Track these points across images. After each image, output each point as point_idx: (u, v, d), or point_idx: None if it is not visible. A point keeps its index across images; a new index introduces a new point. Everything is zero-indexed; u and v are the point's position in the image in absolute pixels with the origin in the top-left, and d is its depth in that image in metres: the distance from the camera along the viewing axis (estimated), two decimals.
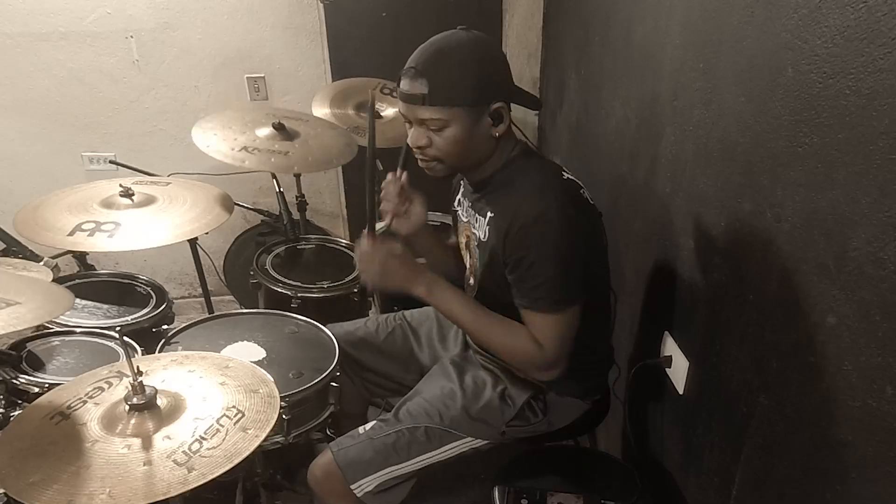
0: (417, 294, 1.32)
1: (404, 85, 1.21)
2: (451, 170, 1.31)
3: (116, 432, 1.08)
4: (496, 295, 1.34)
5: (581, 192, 1.30)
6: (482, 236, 1.33)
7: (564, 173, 1.31)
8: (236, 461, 1.01)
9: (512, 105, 1.28)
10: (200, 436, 1.06)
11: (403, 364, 1.67)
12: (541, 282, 1.22)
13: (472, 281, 1.46)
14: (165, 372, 1.26)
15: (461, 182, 1.47)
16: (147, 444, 1.05)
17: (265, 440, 1.10)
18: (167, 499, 0.97)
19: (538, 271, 1.22)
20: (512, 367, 1.40)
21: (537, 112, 2.94)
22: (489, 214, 1.30)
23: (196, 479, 0.97)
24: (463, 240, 1.46)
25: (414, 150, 1.28)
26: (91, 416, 1.12)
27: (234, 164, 1.93)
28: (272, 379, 1.24)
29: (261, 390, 1.19)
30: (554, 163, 1.35)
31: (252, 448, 1.03)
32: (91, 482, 0.97)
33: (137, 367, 1.12)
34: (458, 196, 1.48)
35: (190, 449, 1.03)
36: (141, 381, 1.10)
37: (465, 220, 1.44)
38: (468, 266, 1.46)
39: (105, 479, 0.97)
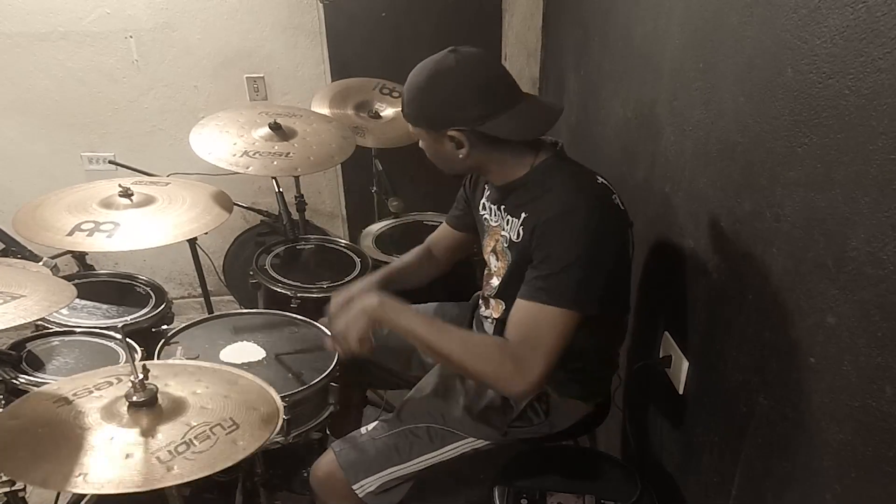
0: (373, 305, 1.26)
1: None
2: (447, 172, 1.37)
3: (112, 423, 1.08)
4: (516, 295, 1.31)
5: (613, 197, 1.27)
6: (514, 237, 1.31)
7: (598, 178, 1.29)
8: (218, 468, 1.01)
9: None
10: (191, 439, 1.06)
11: (405, 359, 1.67)
12: (550, 272, 1.17)
13: (495, 281, 1.43)
14: (175, 378, 1.26)
15: (485, 186, 1.46)
16: (136, 438, 1.05)
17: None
18: (165, 498, 0.97)
19: (552, 263, 1.18)
20: (487, 383, 1.29)
21: None
22: (523, 215, 1.29)
23: (172, 479, 0.97)
24: (491, 244, 1.43)
25: None
26: (91, 406, 1.13)
27: (239, 170, 1.93)
28: (278, 398, 1.23)
29: (261, 409, 1.19)
30: (588, 168, 1.33)
31: (236, 460, 1.03)
32: (71, 463, 0.98)
33: (144, 366, 1.12)
34: (483, 200, 1.46)
35: (176, 449, 1.03)
36: (142, 380, 1.10)
37: (494, 223, 1.40)
38: (494, 268, 1.43)
39: (85, 464, 0.98)
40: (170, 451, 1.02)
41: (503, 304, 1.42)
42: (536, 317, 1.18)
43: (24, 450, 1.00)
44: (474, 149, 1.26)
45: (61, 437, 1.05)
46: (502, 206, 1.37)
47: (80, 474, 0.96)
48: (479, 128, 1.23)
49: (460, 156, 1.27)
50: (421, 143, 1.35)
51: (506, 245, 1.35)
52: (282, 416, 1.18)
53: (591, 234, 1.17)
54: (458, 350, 1.22)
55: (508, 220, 1.34)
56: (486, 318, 1.49)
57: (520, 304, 1.22)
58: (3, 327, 1.13)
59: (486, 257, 1.48)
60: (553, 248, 1.19)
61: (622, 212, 1.27)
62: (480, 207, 1.47)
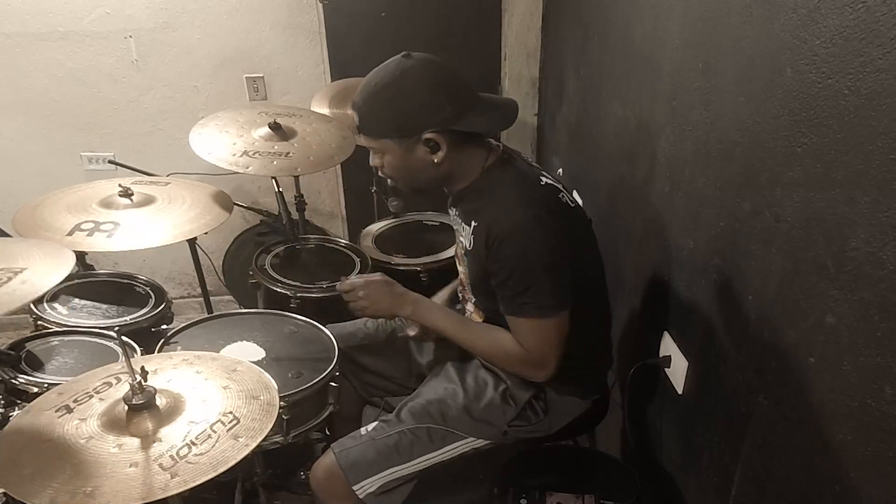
0: (405, 315, 1.43)
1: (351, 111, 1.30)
2: (411, 189, 1.38)
3: (113, 430, 1.08)
4: (489, 300, 1.37)
5: (560, 196, 1.31)
6: (468, 245, 1.35)
7: (543, 178, 1.32)
8: (221, 469, 1.00)
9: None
10: (191, 440, 1.06)
11: (404, 365, 1.67)
12: (523, 289, 1.24)
13: (466, 287, 1.47)
14: (173, 371, 1.26)
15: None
16: (137, 445, 1.05)
17: (264, 440, 1.10)
18: (164, 499, 0.97)
19: (519, 281, 1.24)
20: (507, 371, 1.42)
21: (536, 112, 2.94)
22: (473, 223, 1.32)
23: (176, 486, 0.96)
24: (454, 250, 1.48)
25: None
26: (92, 412, 1.12)
27: (238, 170, 1.93)
28: (276, 386, 1.23)
29: (261, 397, 1.19)
30: (533, 168, 1.36)
31: (239, 458, 1.03)
32: (77, 479, 0.97)
33: (142, 367, 1.12)
34: (449, 205, 1.49)
35: (178, 454, 1.03)
36: (140, 382, 1.10)
37: (455, 228, 1.45)
38: (461, 273, 1.47)
39: (90, 478, 0.97)
40: (172, 457, 1.02)
41: (481, 312, 1.45)
42: (532, 330, 1.29)
43: (31, 467, 1.00)
44: (449, 151, 1.26)
45: (66, 449, 1.04)
46: (457, 213, 1.40)
47: (85, 491, 0.95)
48: (454, 126, 1.23)
49: (435, 160, 1.26)
50: (380, 161, 1.31)
51: (462, 252, 1.39)
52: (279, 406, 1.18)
53: (542, 243, 1.22)
54: (485, 353, 1.40)
55: (463, 227, 1.37)
56: None
57: (513, 321, 1.30)
58: (19, 304, 1.11)
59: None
60: (514, 266, 1.23)
61: (572, 209, 1.33)
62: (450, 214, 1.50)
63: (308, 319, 1.70)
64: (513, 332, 1.31)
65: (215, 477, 0.99)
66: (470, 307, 1.48)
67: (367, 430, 1.41)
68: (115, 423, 1.09)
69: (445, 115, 1.23)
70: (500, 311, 1.31)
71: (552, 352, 1.30)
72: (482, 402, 1.42)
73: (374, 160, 1.33)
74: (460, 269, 1.46)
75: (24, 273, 1.21)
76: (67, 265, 1.28)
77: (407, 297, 1.42)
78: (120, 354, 1.55)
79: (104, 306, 1.80)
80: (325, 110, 2.43)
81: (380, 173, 1.35)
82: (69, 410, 1.13)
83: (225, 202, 1.87)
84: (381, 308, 1.41)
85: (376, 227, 2.36)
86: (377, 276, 1.43)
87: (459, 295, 1.54)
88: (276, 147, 2.05)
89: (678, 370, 1.35)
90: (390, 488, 1.36)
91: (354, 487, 1.34)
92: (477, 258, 1.32)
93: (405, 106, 1.22)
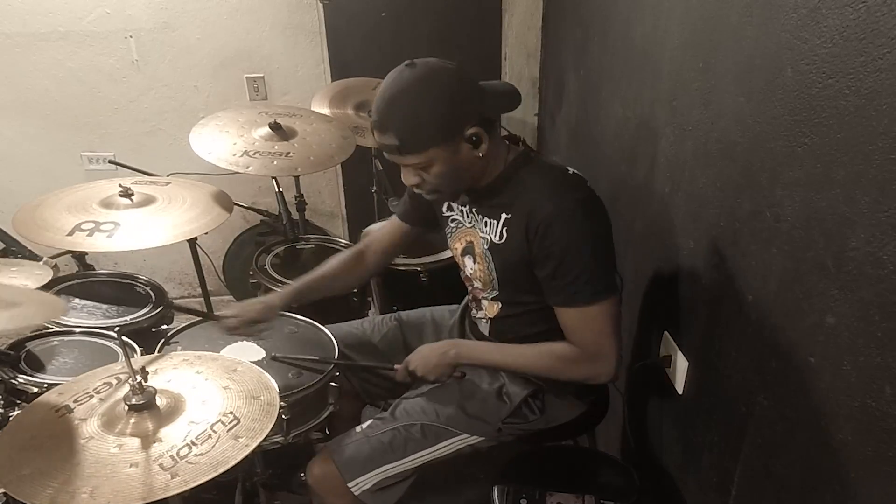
0: (453, 361, 1.42)
1: (378, 137, 1.24)
2: (454, 195, 1.37)
3: (113, 431, 1.08)
4: (518, 293, 1.36)
5: (588, 184, 1.32)
6: (496, 238, 1.33)
7: (569, 169, 1.33)
8: (221, 470, 1.00)
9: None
10: (192, 441, 1.06)
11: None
12: (575, 276, 1.23)
13: (477, 283, 1.45)
14: (174, 371, 1.26)
15: None
16: (138, 445, 1.05)
17: (264, 440, 1.10)
18: (164, 499, 0.97)
19: (570, 267, 1.23)
20: (573, 381, 1.39)
21: (536, 112, 2.94)
22: (504, 216, 1.30)
23: (177, 486, 0.97)
24: (459, 245, 1.46)
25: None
26: (92, 412, 1.12)
27: (239, 170, 1.93)
28: (276, 386, 1.23)
29: (262, 397, 1.19)
30: (555, 161, 1.37)
31: (239, 458, 1.03)
32: (77, 479, 0.97)
33: (142, 368, 1.12)
34: (446, 203, 1.47)
35: (178, 454, 1.03)
36: (141, 382, 1.10)
37: (468, 224, 1.42)
38: (472, 270, 1.45)
39: (91, 478, 0.98)
40: (172, 457, 1.02)
41: (499, 304, 1.43)
42: (587, 318, 1.26)
43: (30, 467, 1.00)
44: (489, 140, 1.24)
45: (66, 449, 1.04)
46: (474, 208, 1.38)
47: (86, 491, 0.95)
48: (486, 114, 1.24)
49: (479, 154, 1.23)
50: (419, 177, 1.26)
51: (485, 247, 1.36)
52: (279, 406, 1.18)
53: (590, 223, 1.24)
54: (539, 368, 1.36)
55: (486, 221, 1.35)
56: (481, 318, 1.50)
57: (565, 312, 1.28)
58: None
59: (457, 259, 1.49)
60: (565, 251, 1.22)
61: (600, 198, 1.33)
62: (445, 208, 1.48)
63: (308, 319, 1.70)
64: (565, 325, 1.30)
65: (215, 477, 1.00)
66: (485, 304, 1.47)
67: (361, 427, 1.42)
68: (116, 424, 1.09)
69: (476, 106, 1.22)
70: (549, 304, 1.30)
71: (608, 340, 1.27)
72: (476, 399, 1.42)
73: (410, 178, 1.27)
74: (475, 266, 1.42)
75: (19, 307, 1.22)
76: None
77: (446, 345, 1.44)
78: (120, 354, 1.55)
79: (104, 306, 1.80)
80: (325, 110, 2.43)
81: (417, 189, 1.30)
82: (69, 410, 1.13)
83: (225, 202, 1.87)
84: (433, 368, 1.42)
85: (376, 226, 2.36)
86: (415, 350, 1.46)
87: (469, 294, 1.53)
88: (276, 147, 2.05)
89: (678, 370, 1.35)
90: (386, 486, 1.36)
91: (350, 484, 1.34)
92: (510, 250, 1.30)
93: (440, 108, 1.19)
